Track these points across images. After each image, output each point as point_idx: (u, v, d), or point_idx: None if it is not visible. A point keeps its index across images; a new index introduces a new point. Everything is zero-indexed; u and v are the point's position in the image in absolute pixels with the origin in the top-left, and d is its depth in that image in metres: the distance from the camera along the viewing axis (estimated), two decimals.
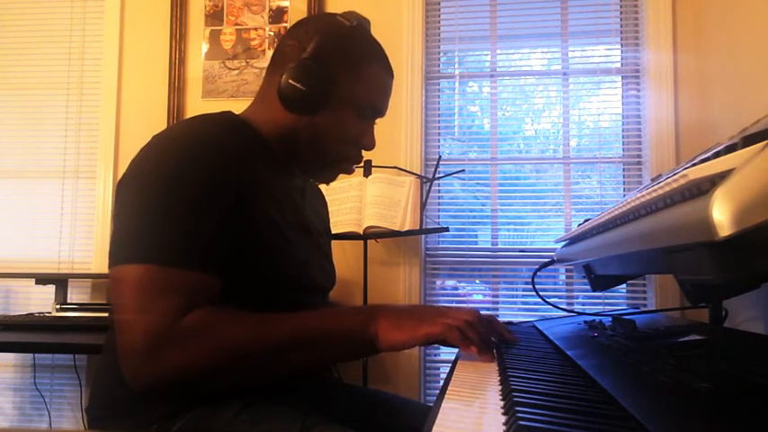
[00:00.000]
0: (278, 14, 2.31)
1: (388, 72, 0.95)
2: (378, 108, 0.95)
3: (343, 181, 1.90)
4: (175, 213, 0.74)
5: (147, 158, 0.80)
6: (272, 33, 2.31)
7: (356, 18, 0.93)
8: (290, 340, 0.74)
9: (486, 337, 0.80)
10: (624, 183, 2.18)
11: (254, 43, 2.31)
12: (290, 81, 0.85)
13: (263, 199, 0.84)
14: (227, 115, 0.90)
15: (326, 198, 1.18)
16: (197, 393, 0.76)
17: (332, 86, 0.87)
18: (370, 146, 0.96)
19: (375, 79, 0.93)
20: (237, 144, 0.83)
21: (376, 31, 0.97)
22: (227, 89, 2.30)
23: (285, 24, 2.30)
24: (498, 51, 2.29)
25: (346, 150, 0.94)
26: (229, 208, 0.77)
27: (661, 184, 0.56)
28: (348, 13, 0.94)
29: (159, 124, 2.30)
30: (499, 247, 2.21)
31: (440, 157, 2.00)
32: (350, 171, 1.00)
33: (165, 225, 0.74)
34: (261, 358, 0.74)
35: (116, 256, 0.74)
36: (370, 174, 1.91)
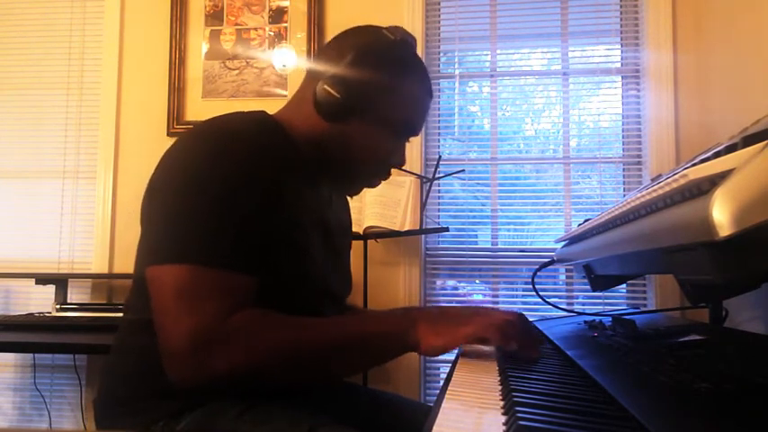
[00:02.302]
0: (278, 14, 2.31)
1: (427, 92, 0.93)
2: (413, 127, 0.93)
3: None
4: (214, 212, 0.74)
5: (184, 158, 0.79)
6: (272, 33, 2.31)
7: (401, 33, 0.91)
8: (335, 343, 0.75)
9: (527, 336, 0.79)
10: (624, 183, 2.18)
11: (254, 43, 2.31)
12: (325, 87, 0.85)
13: (292, 202, 0.83)
14: (261, 115, 0.88)
15: None
16: (243, 392, 0.77)
17: (367, 97, 0.86)
18: (400, 164, 0.94)
19: (414, 97, 0.91)
20: (271, 144, 0.82)
21: None
22: (227, 89, 2.29)
23: (285, 24, 2.30)
24: (498, 51, 2.29)
25: (375, 166, 0.93)
26: (263, 209, 0.77)
27: (661, 184, 0.56)
28: (394, 27, 0.92)
29: (159, 124, 2.30)
30: (499, 247, 2.21)
31: (440, 157, 2.00)
32: (375, 185, 0.98)
33: (204, 224, 0.74)
34: (305, 361, 0.75)
35: (155, 256, 0.74)
36: None
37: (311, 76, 0.91)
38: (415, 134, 0.95)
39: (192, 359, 0.69)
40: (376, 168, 0.94)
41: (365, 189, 1.03)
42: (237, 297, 0.74)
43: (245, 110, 0.88)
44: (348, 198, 1.14)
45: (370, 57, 0.86)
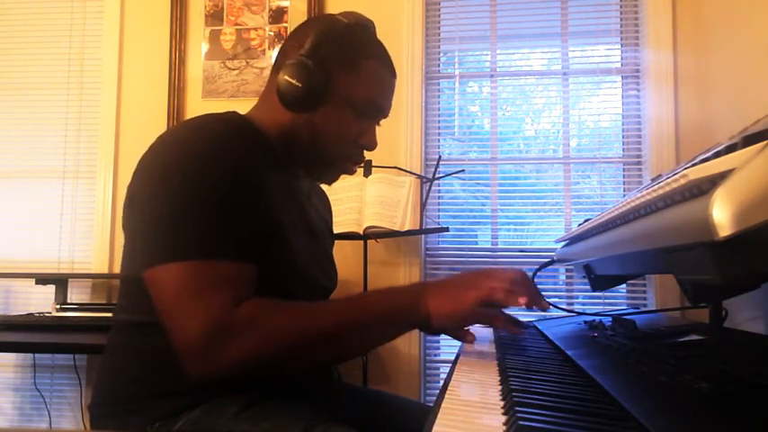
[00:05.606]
0: (278, 14, 2.31)
1: (388, 70, 0.94)
2: (378, 106, 0.93)
3: (343, 181, 1.89)
4: (203, 209, 0.75)
5: (163, 158, 0.80)
6: (272, 33, 2.31)
7: (355, 17, 0.92)
8: (345, 325, 0.76)
9: (533, 293, 0.81)
10: (624, 183, 2.18)
11: (254, 43, 2.31)
12: (286, 78, 0.85)
13: (269, 199, 0.83)
14: (232, 115, 0.89)
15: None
16: (260, 382, 0.78)
17: (329, 83, 0.87)
18: (371, 146, 0.95)
19: (373, 77, 0.91)
20: (244, 143, 0.83)
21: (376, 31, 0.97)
22: (227, 89, 2.30)
23: (285, 24, 2.30)
24: (498, 51, 2.29)
25: (345, 149, 0.93)
26: (245, 204, 0.78)
27: (661, 184, 0.56)
28: (347, 12, 0.93)
29: (159, 124, 2.30)
30: (499, 247, 2.21)
31: (440, 157, 2.00)
32: (351, 171, 0.99)
33: (196, 221, 0.74)
34: (318, 344, 0.75)
35: (151, 259, 0.74)
36: (370, 174, 1.91)
37: (275, 71, 0.92)
38: (384, 115, 0.96)
39: (208, 353, 0.70)
40: (346, 152, 0.94)
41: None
42: (241, 286, 0.74)
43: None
44: (330, 200, 1.17)
45: (324, 42, 0.87)
